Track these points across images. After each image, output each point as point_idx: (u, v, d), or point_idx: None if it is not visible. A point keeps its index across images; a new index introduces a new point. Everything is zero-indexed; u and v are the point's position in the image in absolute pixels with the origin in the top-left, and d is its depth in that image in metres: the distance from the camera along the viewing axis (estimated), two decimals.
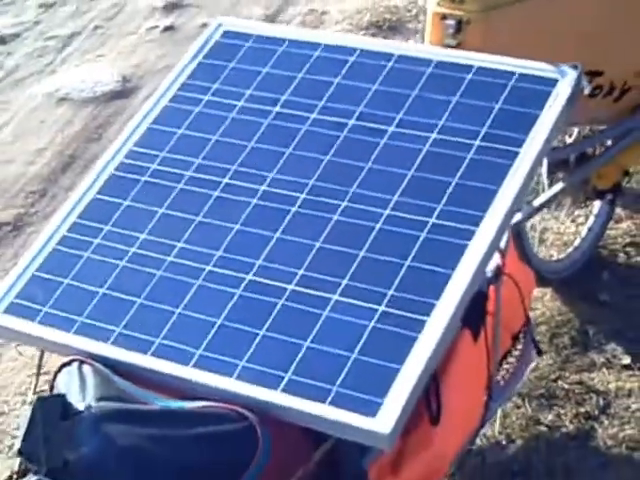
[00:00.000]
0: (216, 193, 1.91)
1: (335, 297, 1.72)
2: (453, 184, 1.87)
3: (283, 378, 1.63)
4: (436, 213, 1.83)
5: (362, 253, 1.79)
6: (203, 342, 1.68)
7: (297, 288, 1.74)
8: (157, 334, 1.70)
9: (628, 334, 2.84)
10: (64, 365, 1.75)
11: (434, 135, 1.96)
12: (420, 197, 1.86)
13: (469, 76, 2.05)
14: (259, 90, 2.09)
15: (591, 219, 3.10)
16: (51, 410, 1.58)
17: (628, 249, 3.15)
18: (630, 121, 2.71)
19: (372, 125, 2.00)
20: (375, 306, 1.70)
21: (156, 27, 4.63)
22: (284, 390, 1.61)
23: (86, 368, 1.70)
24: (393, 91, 2.05)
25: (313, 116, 2.03)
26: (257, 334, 1.69)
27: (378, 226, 1.82)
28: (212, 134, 2.02)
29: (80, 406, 1.62)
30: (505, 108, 1.99)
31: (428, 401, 1.99)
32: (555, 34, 2.41)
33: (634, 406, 2.61)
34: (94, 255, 1.84)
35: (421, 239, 1.80)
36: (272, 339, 1.68)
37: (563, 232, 3.22)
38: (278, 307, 1.72)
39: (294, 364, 1.64)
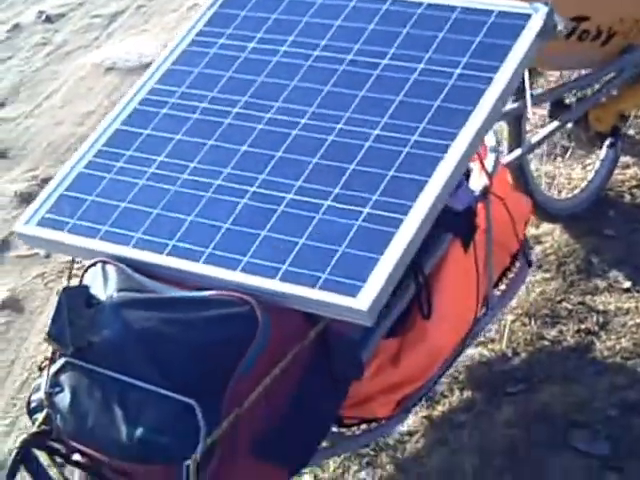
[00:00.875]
0: (227, 121, 2.17)
1: (327, 203, 1.97)
2: (435, 107, 2.10)
3: (280, 269, 1.88)
4: (418, 131, 2.06)
5: (352, 167, 2.03)
6: (212, 242, 1.94)
7: (295, 197, 1.99)
8: (172, 237, 1.97)
9: (630, 262, 3.04)
10: (90, 266, 2.01)
11: (421, 65, 2.20)
12: (405, 118, 2.10)
13: (454, 15, 2.28)
14: (268, 33, 2.34)
15: (597, 163, 3.30)
16: (76, 299, 1.85)
17: (634, 190, 3.35)
18: (616, 63, 2.90)
19: (367, 59, 2.24)
20: (361, 209, 1.94)
21: (197, 5, 4.91)
22: (281, 279, 1.86)
23: (109, 267, 1.96)
24: (386, 30, 2.29)
25: (316, 53, 2.28)
26: (259, 234, 1.94)
27: (367, 144, 2.06)
28: (226, 71, 2.28)
29: (102, 296, 1.89)
30: (484, 41, 2.21)
31: (420, 304, 2.24)
32: None
33: (630, 322, 2.81)
34: (117, 176, 2.11)
35: (404, 153, 2.03)
36: (272, 238, 1.93)
37: (573, 177, 3.43)
38: (278, 212, 1.97)
39: (290, 257, 1.89)
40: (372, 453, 2.53)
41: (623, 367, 2.67)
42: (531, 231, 3.19)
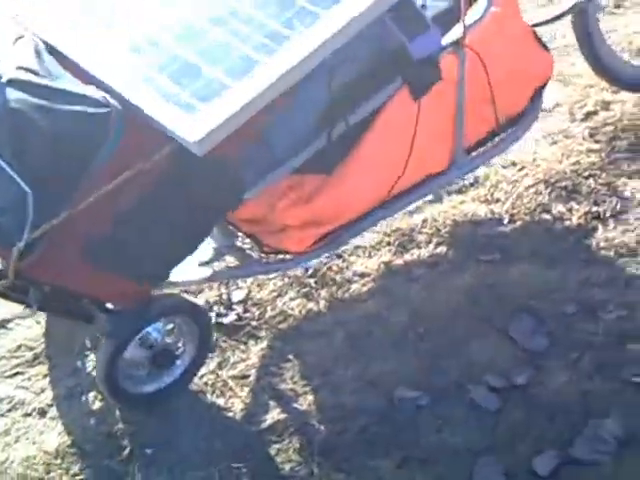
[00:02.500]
0: None
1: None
2: None
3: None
4: None
5: None
6: None
7: None
8: None
9: None
10: (19, 38, 2.02)
11: None
12: None
13: None
14: None
15: None
16: None
17: None
18: None
19: None
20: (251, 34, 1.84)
21: None
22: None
23: (30, 42, 1.97)
24: None
25: None
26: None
27: None
28: None
29: (5, 70, 1.90)
30: None
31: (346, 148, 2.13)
32: None
33: None
34: None
35: None
36: None
37: None
38: None
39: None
40: (313, 285, 2.47)
41: (609, 263, 2.42)
42: (603, 95, 2.89)
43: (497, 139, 2.39)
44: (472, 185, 2.71)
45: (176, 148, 1.85)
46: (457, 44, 2.17)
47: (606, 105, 2.87)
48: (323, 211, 2.16)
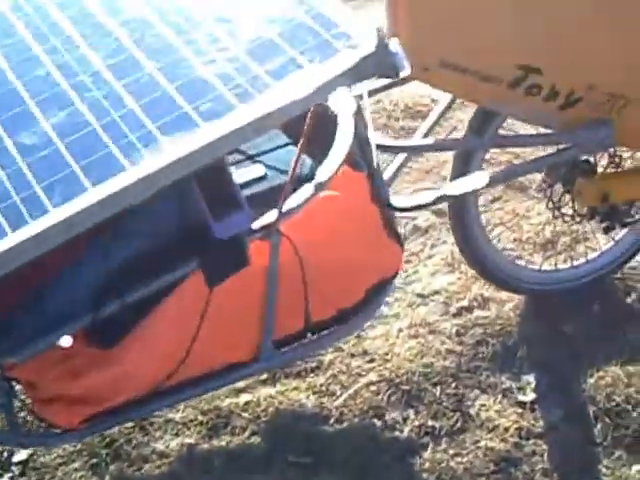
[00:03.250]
0: None
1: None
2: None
3: None
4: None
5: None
6: None
7: None
8: None
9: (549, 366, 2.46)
10: None
11: None
12: None
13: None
14: None
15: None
16: None
17: None
18: (570, 135, 2.25)
19: None
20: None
21: None
22: None
23: None
24: None
25: None
26: None
27: None
28: None
29: None
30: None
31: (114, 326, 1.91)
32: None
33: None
34: None
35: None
36: None
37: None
38: None
39: None
40: (105, 458, 2.23)
41: None
42: (484, 290, 2.65)
43: (321, 333, 2.16)
44: (312, 371, 2.47)
45: None
46: (269, 229, 1.96)
47: (484, 302, 2.63)
48: (94, 389, 1.94)
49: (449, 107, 2.47)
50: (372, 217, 2.16)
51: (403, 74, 1.91)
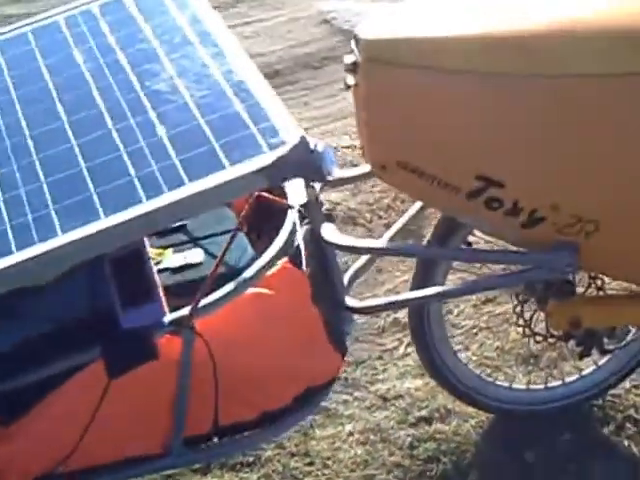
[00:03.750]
0: None
1: None
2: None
3: None
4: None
5: None
6: None
7: None
8: None
9: None
10: None
11: None
12: None
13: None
14: None
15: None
16: None
17: None
18: (531, 256, 2.09)
19: None
20: None
21: None
22: None
23: None
24: None
25: None
26: None
27: None
28: None
29: None
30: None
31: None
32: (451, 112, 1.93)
33: None
34: None
35: None
36: None
37: None
38: None
39: None
40: None
41: None
42: (449, 401, 2.48)
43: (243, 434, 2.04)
44: (249, 465, 2.35)
45: None
46: (181, 325, 1.85)
47: (446, 415, 2.47)
48: None
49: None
50: (309, 320, 2.03)
51: (331, 178, 1.82)
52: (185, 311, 1.85)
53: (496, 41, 1.91)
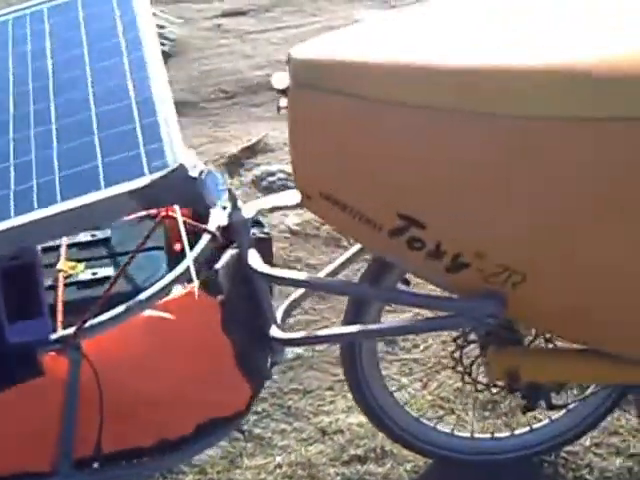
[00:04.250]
0: None
1: None
2: None
3: None
4: None
5: None
6: None
7: None
8: None
9: None
10: None
11: None
12: None
13: None
14: None
15: None
16: None
17: None
18: (453, 303, 1.97)
19: None
20: None
21: None
22: None
23: None
24: None
25: None
26: None
27: None
28: None
29: None
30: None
31: None
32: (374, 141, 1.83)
33: None
34: None
35: None
36: None
37: None
38: None
39: None
40: None
41: None
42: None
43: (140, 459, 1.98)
44: None
45: None
46: (67, 344, 1.79)
47: (382, 456, 2.35)
48: None
49: None
50: (216, 349, 1.95)
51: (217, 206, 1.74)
52: (70, 330, 1.80)
53: (426, 73, 1.81)
